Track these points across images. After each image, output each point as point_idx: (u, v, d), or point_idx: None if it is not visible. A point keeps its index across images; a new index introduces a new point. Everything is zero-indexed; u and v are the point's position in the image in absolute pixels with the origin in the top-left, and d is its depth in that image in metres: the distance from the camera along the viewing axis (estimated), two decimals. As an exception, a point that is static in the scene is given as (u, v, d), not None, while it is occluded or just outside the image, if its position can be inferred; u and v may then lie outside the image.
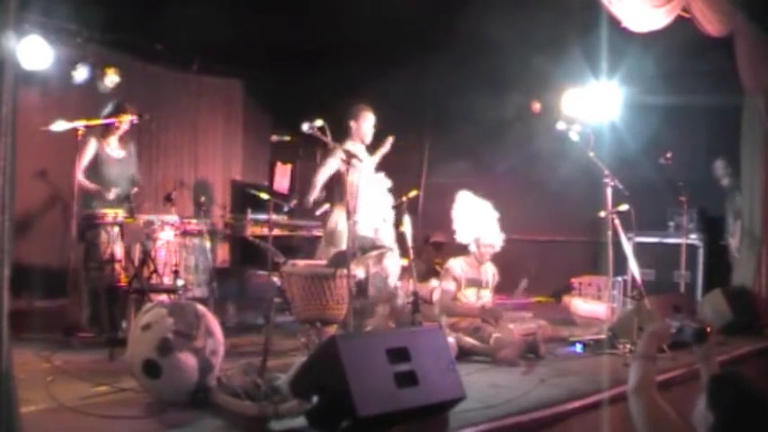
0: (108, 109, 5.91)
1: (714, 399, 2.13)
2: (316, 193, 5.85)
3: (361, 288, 5.06)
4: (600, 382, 4.38)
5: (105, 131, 5.94)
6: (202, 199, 6.58)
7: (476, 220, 5.60)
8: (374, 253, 5.40)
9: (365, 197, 5.70)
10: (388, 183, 5.78)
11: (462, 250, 5.72)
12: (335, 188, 5.96)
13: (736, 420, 2.08)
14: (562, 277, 8.31)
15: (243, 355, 4.66)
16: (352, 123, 5.89)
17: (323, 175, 5.85)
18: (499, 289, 5.78)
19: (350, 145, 5.67)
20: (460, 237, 5.65)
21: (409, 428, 3.43)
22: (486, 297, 5.62)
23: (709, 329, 2.59)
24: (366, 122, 5.95)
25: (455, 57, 8.05)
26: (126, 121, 5.90)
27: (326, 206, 6.01)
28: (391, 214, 5.80)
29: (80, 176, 5.69)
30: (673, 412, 2.35)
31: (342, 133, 5.82)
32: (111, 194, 5.75)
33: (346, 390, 3.14)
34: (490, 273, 5.67)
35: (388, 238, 5.74)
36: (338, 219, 5.84)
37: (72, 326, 5.31)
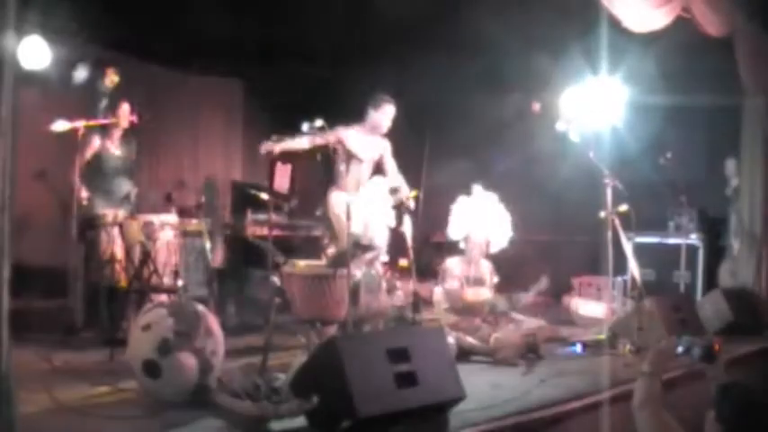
0: (103, 104, 5.93)
1: (722, 409, 2.10)
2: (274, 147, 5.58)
3: (354, 291, 5.05)
4: (600, 382, 4.38)
5: (107, 129, 5.96)
6: (202, 199, 6.57)
7: (469, 217, 5.60)
8: (369, 256, 5.40)
9: (361, 194, 5.70)
10: (388, 184, 5.77)
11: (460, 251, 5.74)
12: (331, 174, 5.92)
13: (744, 430, 2.05)
14: (562, 277, 8.30)
15: (243, 355, 4.66)
16: (371, 111, 5.78)
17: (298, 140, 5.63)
18: (505, 288, 5.77)
19: (353, 132, 5.68)
20: (451, 232, 5.66)
21: (409, 428, 3.43)
22: (486, 295, 5.63)
23: (717, 347, 2.54)
24: (386, 115, 5.84)
25: (455, 57, 8.05)
26: (124, 113, 5.91)
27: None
28: (387, 215, 5.78)
29: (77, 179, 5.70)
30: (679, 428, 2.31)
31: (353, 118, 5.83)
32: (98, 205, 5.76)
33: (346, 390, 3.14)
34: (486, 270, 5.67)
35: (379, 237, 5.72)
36: (334, 202, 5.79)
37: (72, 326, 5.31)
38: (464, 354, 5.06)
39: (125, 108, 5.98)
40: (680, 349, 2.58)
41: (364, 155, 5.72)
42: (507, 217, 5.67)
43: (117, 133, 6.04)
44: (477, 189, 5.72)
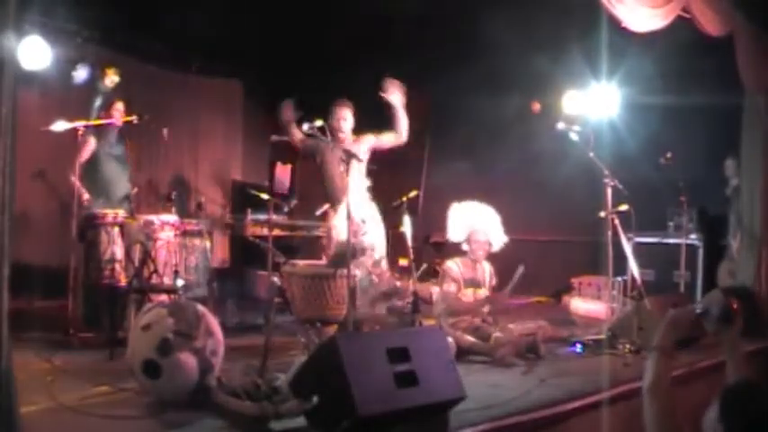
0: (98, 103, 5.94)
1: (726, 411, 2.03)
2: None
3: (353, 296, 5.04)
4: (600, 382, 4.38)
5: (103, 129, 5.97)
6: (202, 199, 6.59)
7: (469, 218, 5.61)
8: (363, 258, 5.39)
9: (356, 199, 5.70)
10: (367, 182, 5.78)
11: (460, 251, 5.73)
12: (330, 188, 5.92)
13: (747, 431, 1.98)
14: (562, 277, 8.31)
15: (243, 355, 4.66)
16: (329, 121, 5.71)
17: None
18: (496, 288, 5.78)
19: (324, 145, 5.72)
20: (452, 235, 5.66)
21: (409, 428, 3.43)
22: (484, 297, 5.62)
23: (735, 307, 2.39)
24: (336, 118, 5.79)
25: (455, 57, 8.05)
26: (119, 112, 5.92)
27: (327, 206, 6.00)
28: (373, 214, 5.77)
29: (76, 180, 5.72)
30: (686, 426, 2.24)
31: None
32: (88, 197, 5.79)
33: (346, 390, 3.14)
34: (487, 272, 5.67)
35: (369, 238, 5.71)
36: (334, 221, 5.85)
37: (72, 326, 5.31)
38: (464, 354, 5.06)
39: (119, 107, 5.97)
40: (698, 310, 2.40)
41: (339, 164, 5.59)
42: (498, 220, 5.66)
43: (112, 133, 6.04)
44: (465, 202, 5.73)
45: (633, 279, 5.96)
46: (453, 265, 5.60)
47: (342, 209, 5.44)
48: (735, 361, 2.41)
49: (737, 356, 2.42)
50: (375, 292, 5.39)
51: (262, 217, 6.56)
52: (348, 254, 4.65)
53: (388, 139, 5.91)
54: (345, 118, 5.83)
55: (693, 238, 7.72)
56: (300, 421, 3.35)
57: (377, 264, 5.56)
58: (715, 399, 2.07)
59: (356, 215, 5.42)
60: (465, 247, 5.64)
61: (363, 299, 5.31)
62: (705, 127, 7.70)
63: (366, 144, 5.84)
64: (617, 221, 5.72)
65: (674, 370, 2.33)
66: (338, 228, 5.69)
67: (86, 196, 5.81)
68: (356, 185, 5.61)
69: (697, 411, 2.21)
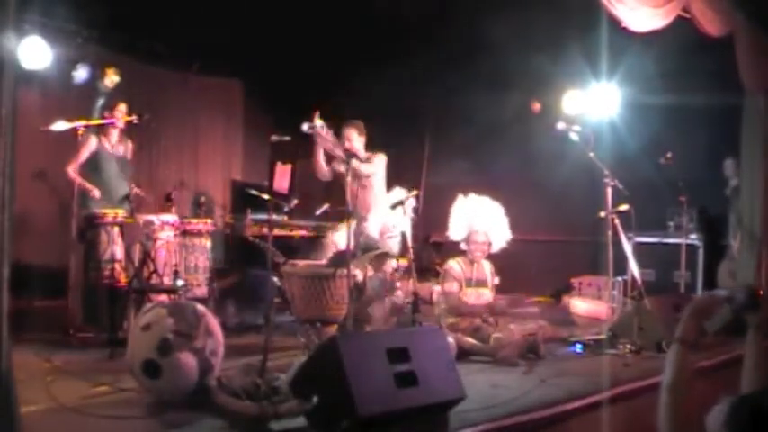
0: (100, 104, 5.95)
1: (732, 419, 2.01)
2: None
3: (358, 290, 5.05)
4: (600, 382, 4.39)
5: (104, 128, 5.97)
6: (202, 199, 6.59)
7: (470, 218, 5.61)
8: (375, 253, 5.40)
9: (381, 202, 5.71)
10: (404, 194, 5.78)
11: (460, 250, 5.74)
12: (336, 192, 5.92)
13: None
14: (562, 277, 8.31)
15: (243, 355, 4.66)
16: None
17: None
18: (505, 288, 5.79)
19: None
20: (452, 233, 5.67)
21: (409, 428, 3.43)
22: (486, 296, 5.63)
23: (761, 292, 2.29)
24: (346, 139, 5.76)
25: (455, 57, 8.05)
26: (122, 113, 5.93)
27: (326, 206, 6.00)
28: (401, 224, 5.77)
29: (71, 173, 5.75)
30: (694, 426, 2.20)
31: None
32: (99, 194, 5.78)
33: (346, 390, 3.15)
34: (488, 271, 5.67)
35: (392, 245, 5.72)
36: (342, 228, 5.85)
37: (72, 326, 5.31)
38: (464, 354, 5.06)
39: (122, 108, 5.98)
40: (724, 294, 2.28)
41: (341, 164, 5.63)
42: (505, 218, 5.67)
43: (114, 133, 6.05)
44: (472, 196, 5.74)
45: (633, 279, 5.96)
46: (455, 265, 5.61)
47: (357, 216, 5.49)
48: (755, 351, 2.36)
49: (759, 346, 2.38)
50: (380, 292, 5.41)
51: (262, 217, 6.55)
52: (348, 254, 4.66)
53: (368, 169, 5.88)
54: (350, 139, 5.81)
55: (693, 238, 7.72)
56: (300, 421, 3.35)
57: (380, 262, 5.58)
58: (721, 398, 2.05)
59: (388, 220, 5.45)
60: (463, 246, 5.65)
61: (376, 302, 5.33)
62: (705, 127, 7.70)
63: (377, 161, 5.84)
64: (617, 221, 5.72)
65: (695, 364, 2.20)
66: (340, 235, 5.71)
67: (96, 192, 5.81)
68: (362, 188, 5.62)
69: (698, 411, 2.20)
